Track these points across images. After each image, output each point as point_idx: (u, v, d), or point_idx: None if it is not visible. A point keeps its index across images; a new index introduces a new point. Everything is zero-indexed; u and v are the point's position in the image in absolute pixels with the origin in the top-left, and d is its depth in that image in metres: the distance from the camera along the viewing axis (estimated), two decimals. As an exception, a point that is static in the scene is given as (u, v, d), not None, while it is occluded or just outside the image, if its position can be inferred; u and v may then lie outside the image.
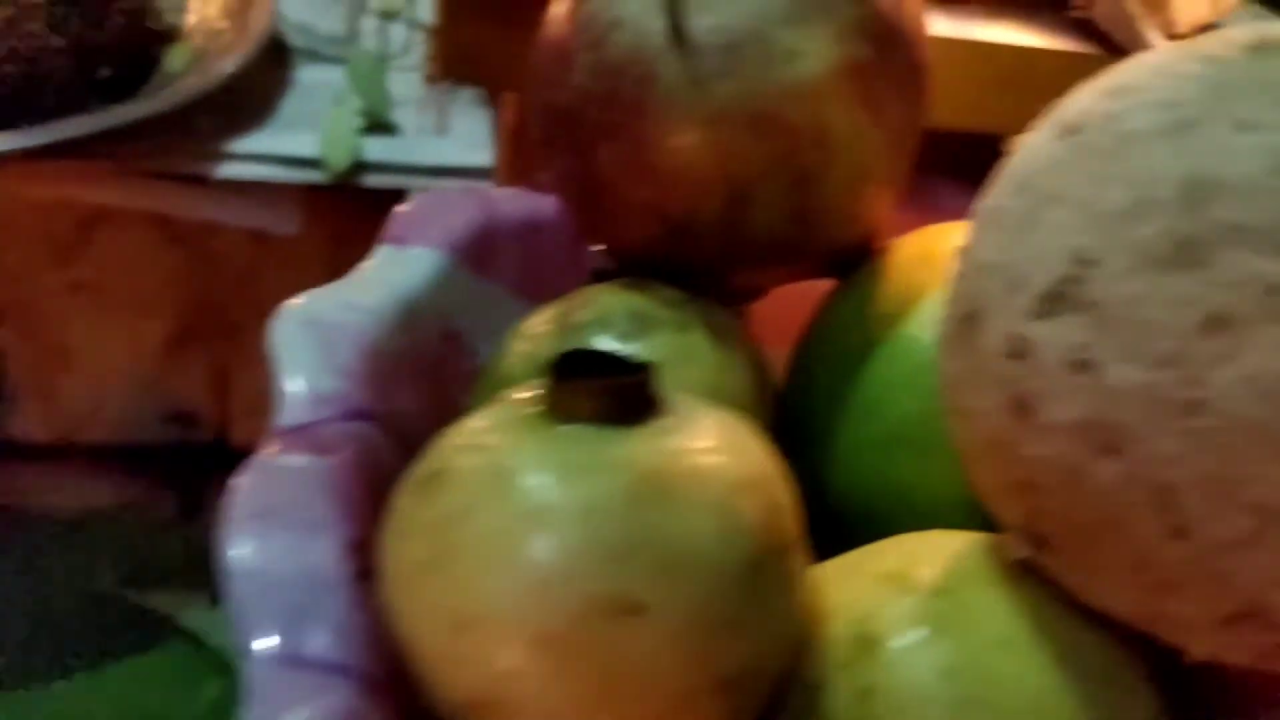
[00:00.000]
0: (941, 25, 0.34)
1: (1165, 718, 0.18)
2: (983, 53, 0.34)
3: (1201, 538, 0.15)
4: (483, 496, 0.17)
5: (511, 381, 0.25)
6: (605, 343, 0.24)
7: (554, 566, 0.17)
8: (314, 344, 0.25)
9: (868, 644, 0.19)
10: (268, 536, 0.20)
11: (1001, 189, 0.18)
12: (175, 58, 0.45)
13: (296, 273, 0.43)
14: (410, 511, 0.19)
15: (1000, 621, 0.19)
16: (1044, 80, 0.35)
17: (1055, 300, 0.16)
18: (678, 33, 0.23)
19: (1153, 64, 0.16)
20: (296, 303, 0.26)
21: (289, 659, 0.18)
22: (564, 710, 0.17)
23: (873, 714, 0.18)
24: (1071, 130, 0.17)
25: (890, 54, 0.24)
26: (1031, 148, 0.18)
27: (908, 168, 0.27)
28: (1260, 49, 0.15)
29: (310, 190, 0.44)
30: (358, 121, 0.44)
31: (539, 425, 0.18)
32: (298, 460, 0.22)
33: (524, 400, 0.19)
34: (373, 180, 0.44)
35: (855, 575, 0.20)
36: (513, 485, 0.17)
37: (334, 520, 0.21)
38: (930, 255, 0.26)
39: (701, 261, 0.26)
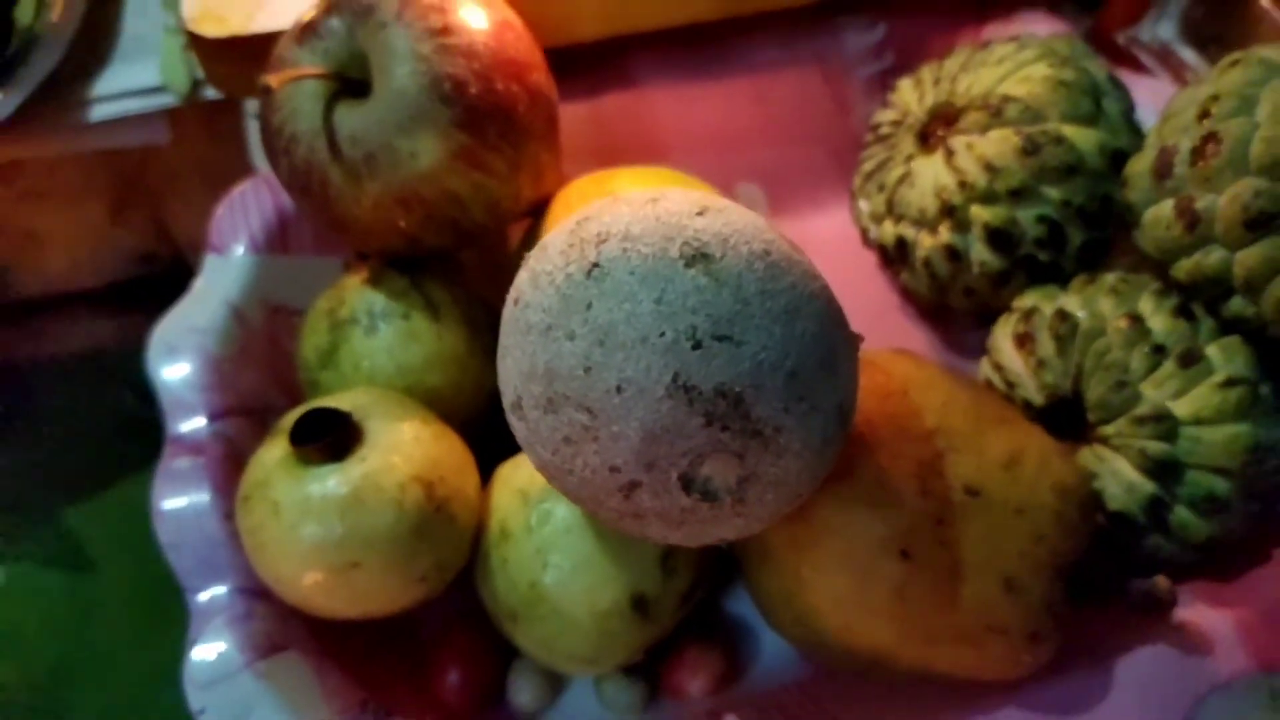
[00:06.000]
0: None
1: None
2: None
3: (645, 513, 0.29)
4: (266, 518, 0.32)
5: (308, 364, 0.39)
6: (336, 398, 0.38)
7: (309, 553, 0.32)
8: (177, 375, 0.38)
9: (505, 534, 0.34)
10: (179, 518, 0.35)
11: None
12: (23, 7, 0.53)
13: (186, 146, 0.53)
14: (238, 518, 0.34)
15: (571, 516, 0.34)
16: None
17: (515, 409, 0.29)
18: (333, 148, 0.34)
19: (549, 260, 0.28)
20: (160, 334, 0.39)
21: (209, 594, 0.35)
22: (337, 610, 0.33)
23: (507, 576, 0.34)
24: (514, 302, 0.28)
25: (486, 131, 0.34)
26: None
27: (547, 166, 0.37)
28: (592, 271, 0.27)
29: (171, 109, 0.53)
30: (184, 40, 0.52)
31: (292, 466, 0.33)
32: (183, 463, 0.36)
33: (284, 450, 0.33)
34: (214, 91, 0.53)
35: (504, 485, 0.35)
36: (280, 511, 0.32)
37: (212, 499, 0.36)
38: (583, 194, 0.38)
39: (417, 256, 0.38)
